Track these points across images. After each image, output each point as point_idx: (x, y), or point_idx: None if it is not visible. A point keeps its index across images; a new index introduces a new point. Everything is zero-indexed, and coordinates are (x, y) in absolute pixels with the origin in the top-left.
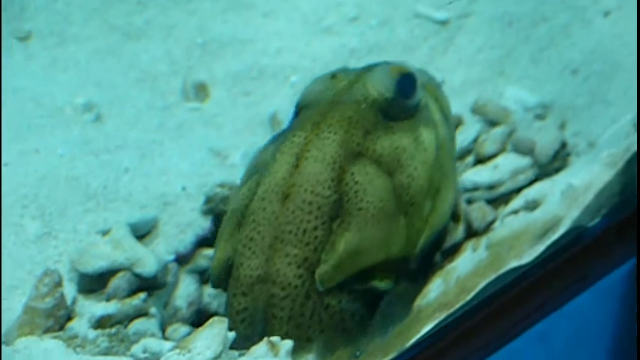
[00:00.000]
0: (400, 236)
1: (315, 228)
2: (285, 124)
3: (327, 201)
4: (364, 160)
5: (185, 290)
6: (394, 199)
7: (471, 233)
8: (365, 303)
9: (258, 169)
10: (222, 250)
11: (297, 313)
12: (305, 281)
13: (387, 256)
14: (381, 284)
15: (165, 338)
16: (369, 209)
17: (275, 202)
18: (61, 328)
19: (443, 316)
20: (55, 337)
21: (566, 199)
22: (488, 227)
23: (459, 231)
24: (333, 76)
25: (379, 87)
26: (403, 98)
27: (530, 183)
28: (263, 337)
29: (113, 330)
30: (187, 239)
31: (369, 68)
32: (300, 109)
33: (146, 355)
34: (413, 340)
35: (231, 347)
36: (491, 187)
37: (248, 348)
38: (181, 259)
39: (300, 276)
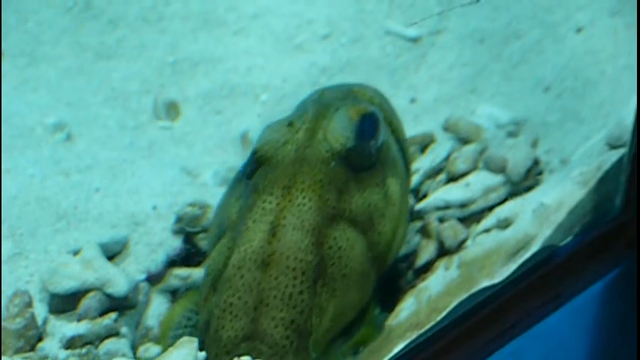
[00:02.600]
0: (370, 287)
1: (301, 292)
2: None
3: (310, 265)
4: (343, 224)
5: (156, 310)
6: (368, 259)
7: (443, 252)
8: None
9: (225, 228)
10: (203, 314)
11: None
12: (293, 342)
13: (362, 307)
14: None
15: (136, 358)
16: (352, 276)
17: (254, 270)
18: (32, 348)
19: (414, 335)
20: (25, 358)
21: (538, 217)
22: (460, 246)
23: (431, 249)
24: (290, 123)
25: (340, 138)
26: (367, 141)
27: (502, 201)
28: None
29: (84, 350)
30: (158, 259)
31: (326, 110)
32: (257, 159)
33: None
34: None
35: None
36: (463, 205)
37: None
38: (152, 279)
39: (287, 337)
